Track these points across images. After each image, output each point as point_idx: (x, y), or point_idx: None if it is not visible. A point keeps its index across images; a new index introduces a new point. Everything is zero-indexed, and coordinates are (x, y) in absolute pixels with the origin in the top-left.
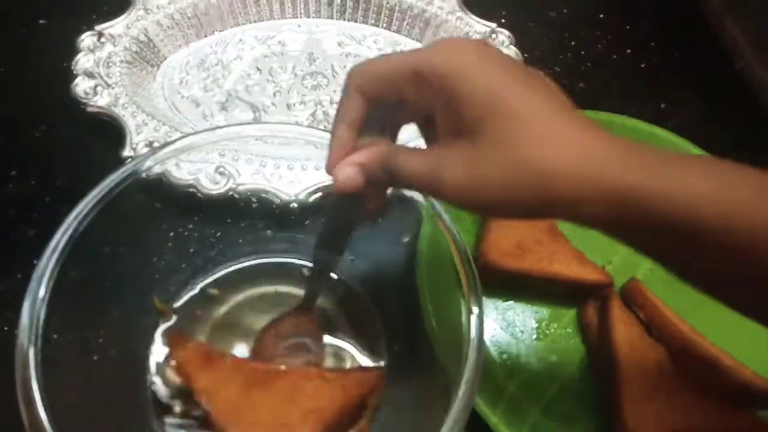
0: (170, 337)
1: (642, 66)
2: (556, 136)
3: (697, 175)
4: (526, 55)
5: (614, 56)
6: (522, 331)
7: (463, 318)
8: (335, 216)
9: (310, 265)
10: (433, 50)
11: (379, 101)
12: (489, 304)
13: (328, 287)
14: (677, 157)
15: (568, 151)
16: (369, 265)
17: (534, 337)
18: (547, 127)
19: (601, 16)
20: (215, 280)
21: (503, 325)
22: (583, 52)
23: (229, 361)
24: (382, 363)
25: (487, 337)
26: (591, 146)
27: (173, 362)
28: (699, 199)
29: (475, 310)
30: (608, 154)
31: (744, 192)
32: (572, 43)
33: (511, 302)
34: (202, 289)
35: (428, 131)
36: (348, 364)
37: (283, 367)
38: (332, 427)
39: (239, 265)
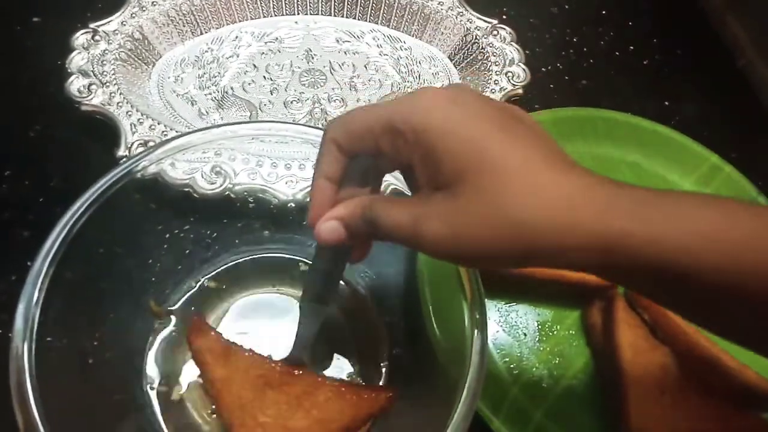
0: (193, 322)
1: (644, 63)
2: (537, 186)
3: (687, 217)
4: (527, 51)
5: (616, 53)
6: (525, 334)
7: (466, 321)
8: (321, 267)
9: (308, 261)
10: (409, 102)
11: (356, 154)
12: (491, 306)
13: (317, 338)
14: (664, 197)
15: (550, 202)
16: (370, 268)
17: (537, 339)
18: (528, 179)
19: (603, 12)
20: (212, 281)
21: (506, 328)
22: (585, 49)
23: (247, 356)
24: (381, 374)
25: (489, 340)
26: (575, 194)
27: (190, 347)
28: (689, 243)
29: (478, 311)
30: (594, 200)
31: (734, 234)
32: (574, 39)
33: (513, 304)
34: (199, 290)
35: (410, 179)
36: (349, 370)
37: (299, 372)
38: None
39: (236, 266)
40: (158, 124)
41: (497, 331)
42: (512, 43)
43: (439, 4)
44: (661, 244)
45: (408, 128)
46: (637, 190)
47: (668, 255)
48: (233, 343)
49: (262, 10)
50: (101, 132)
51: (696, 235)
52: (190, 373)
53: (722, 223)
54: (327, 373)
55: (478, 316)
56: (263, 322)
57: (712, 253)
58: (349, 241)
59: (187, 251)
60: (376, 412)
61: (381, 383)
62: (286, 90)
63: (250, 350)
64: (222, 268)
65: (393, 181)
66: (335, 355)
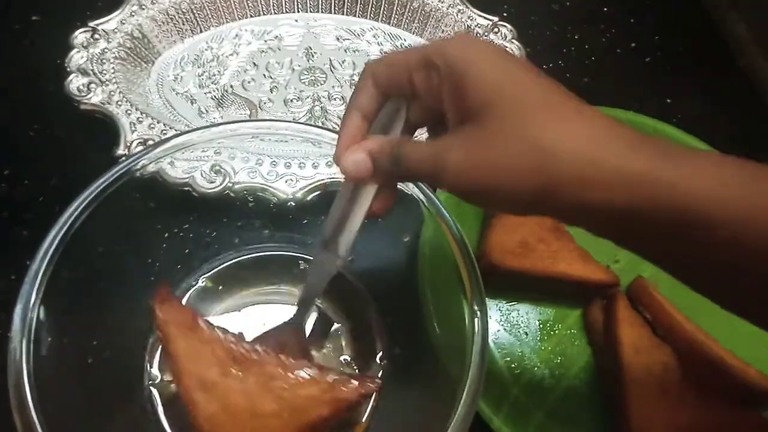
0: (159, 291)
1: (646, 60)
2: (562, 120)
3: (712, 166)
4: (528, 49)
5: (618, 50)
6: (526, 333)
7: (467, 319)
8: (339, 212)
9: (309, 258)
10: (444, 41)
11: (391, 92)
12: (492, 304)
13: (322, 299)
14: (682, 150)
15: (574, 134)
16: (370, 265)
17: (538, 338)
18: (553, 112)
19: (605, 9)
20: (211, 280)
21: (507, 327)
22: (586, 46)
23: (215, 332)
24: (379, 373)
25: (490, 339)
26: (599, 132)
27: (154, 319)
28: (717, 191)
29: (479, 311)
30: (616, 140)
31: (747, 185)
32: (576, 36)
33: (514, 303)
34: (198, 289)
35: (436, 130)
36: (348, 370)
37: (271, 353)
38: (307, 430)
39: (236, 265)
40: (158, 122)
41: (498, 330)
42: (513, 40)
43: (439, 1)
44: (689, 189)
45: (441, 60)
46: (659, 140)
47: (695, 202)
48: (201, 317)
49: (262, 7)
50: (100, 131)
51: (723, 184)
52: None
53: (747, 176)
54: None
55: (478, 315)
56: (263, 321)
57: (742, 202)
58: (373, 178)
59: (187, 250)
60: (356, 404)
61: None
62: (286, 88)
63: (219, 327)
64: (221, 267)
65: None
66: (333, 354)
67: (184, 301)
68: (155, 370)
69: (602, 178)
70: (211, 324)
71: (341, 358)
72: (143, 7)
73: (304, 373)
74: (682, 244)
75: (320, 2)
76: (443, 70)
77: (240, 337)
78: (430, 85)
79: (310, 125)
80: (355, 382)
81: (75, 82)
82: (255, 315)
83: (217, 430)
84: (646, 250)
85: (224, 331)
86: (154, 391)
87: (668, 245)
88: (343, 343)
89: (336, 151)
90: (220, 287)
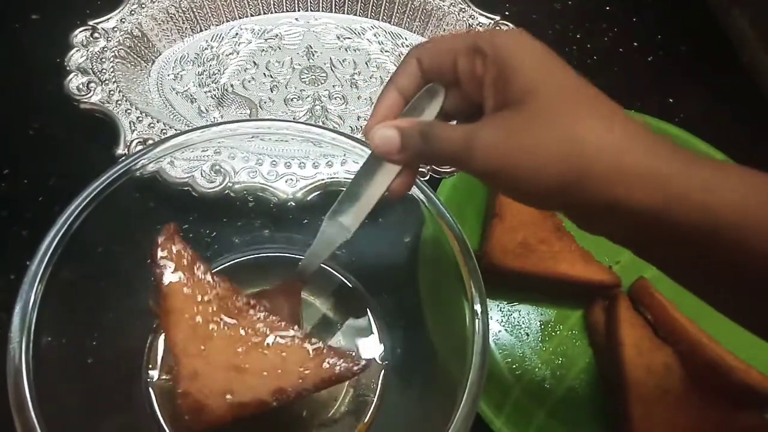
0: (167, 227)
1: (648, 59)
2: (599, 115)
3: (732, 176)
4: None
5: (620, 49)
6: (527, 333)
7: (467, 320)
8: (358, 184)
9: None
10: (496, 31)
11: (432, 76)
12: (493, 305)
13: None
14: (709, 160)
15: (611, 130)
16: (370, 265)
17: (539, 339)
18: (591, 107)
19: (607, 8)
20: None
21: (508, 327)
22: (588, 45)
23: (210, 279)
24: (380, 374)
25: (491, 340)
26: (634, 132)
27: (154, 252)
28: (737, 201)
29: (479, 311)
30: (654, 143)
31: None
32: (577, 35)
33: (515, 303)
34: None
35: (471, 119)
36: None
37: (265, 311)
38: (286, 396)
39: (236, 265)
40: (157, 122)
41: (499, 331)
42: None
43: (440, 0)
44: (723, 197)
45: (490, 47)
46: (679, 147)
47: (727, 210)
48: (201, 262)
49: (262, 6)
50: (100, 130)
51: (755, 194)
52: None
53: (750, 184)
54: None
55: (479, 316)
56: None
57: (741, 212)
58: (399, 155)
59: None
60: (337, 376)
61: (380, 383)
62: (286, 87)
63: (218, 275)
64: (221, 267)
65: None
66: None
67: None
68: (154, 370)
69: (638, 174)
70: (211, 270)
71: None
72: (143, 5)
73: (292, 338)
74: (705, 250)
75: (321, 1)
76: (490, 56)
77: (236, 290)
78: (474, 71)
79: (311, 125)
80: (341, 359)
81: (74, 81)
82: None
83: (195, 378)
84: (662, 257)
85: (223, 280)
86: (153, 391)
87: (689, 251)
88: (343, 343)
89: (368, 123)
90: None
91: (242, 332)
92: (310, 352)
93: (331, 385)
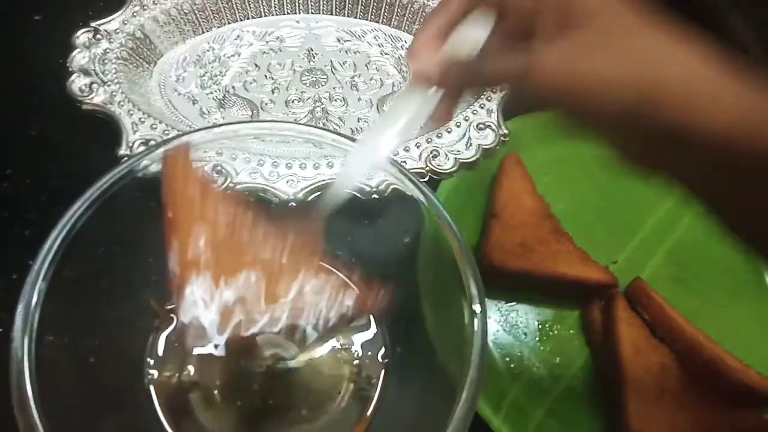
0: (178, 147)
1: None
2: (670, 38)
3: None
4: None
5: None
6: (525, 333)
7: (466, 319)
8: (392, 113)
9: None
10: None
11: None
12: (492, 305)
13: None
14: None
15: (685, 51)
16: (370, 266)
17: (537, 338)
18: (662, 31)
19: None
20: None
21: (506, 327)
22: None
23: (224, 195)
24: (380, 373)
25: (489, 339)
26: (709, 54)
27: (163, 167)
28: None
29: (478, 311)
30: (724, 66)
31: None
32: None
33: (514, 303)
34: None
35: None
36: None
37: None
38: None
39: None
40: (159, 123)
41: (497, 330)
42: None
43: None
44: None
45: None
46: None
47: None
48: (211, 183)
49: (264, 9)
50: (102, 131)
51: None
52: (191, 371)
53: None
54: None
55: (478, 315)
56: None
57: None
58: (441, 82)
59: None
60: (346, 306)
61: (380, 381)
62: (287, 89)
63: (235, 195)
64: None
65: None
66: (334, 354)
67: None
68: (155, 369)
69: (714, 97)
70: (222, 189)
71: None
72: (145, 7)
73: (305, 268)
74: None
75: (321, 4)
76: None
77: (249, 207)
78: None
79: (312, 126)
80: (356, 291)
81: (77, 83)
82: None
83: (194, 267)
84: (731, 196)
85: (237, 194)
86: (154, 390)
87: (764, 187)
88: (343, 342)
89: (411, 47)
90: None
91: (249, 253)
92: (323, 278)
93: (334, 312)
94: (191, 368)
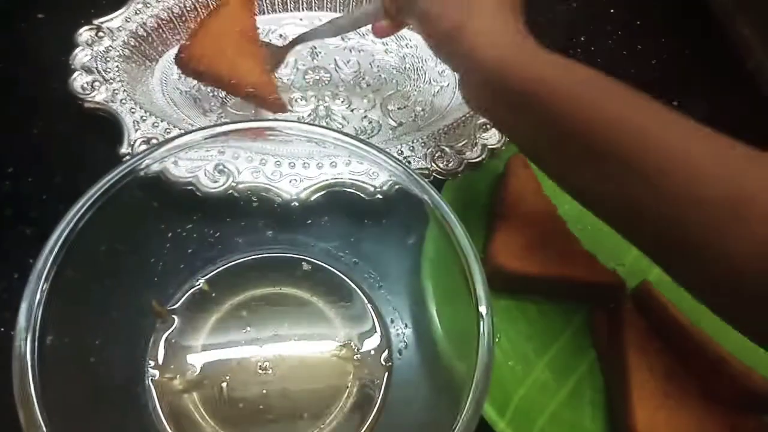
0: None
1: (652, 62)
2: (495, 6)
3: (545, 62)
4: None
5: (624, 52)
6: (530, 335)
7: (472, 322)
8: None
9: (312, 260)
10: None
11: None
12: (497, 306)
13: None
14: (544, 52)
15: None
16: (374, 267)
17: (543, 340)
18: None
19: (611, 11)
20: (214, 281)
21: (512, 329)
22: (592, 48)
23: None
24: (384, 375)
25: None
26: (510, 9)
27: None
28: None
29: (484, 313)
30: (514, 19)
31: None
32: (581, 38)
33: (519, 305)
34: (201, 291)
35: None
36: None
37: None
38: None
39: (239, 266)
40: (161, 121)
41: (503, 333)
42: None
43: None
44: (534, 71)
45: None
46: (537, 51)
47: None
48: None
49: (267, 6)
50: (104, 129)
51: (558, 74)
52: (192, 373)
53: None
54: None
55: (484, 318)
56: (263, 323)
57: (562, 85)
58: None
59: (190, 250)
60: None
61: (384, 384)
62: (290, 88)
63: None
64: (224, 267)
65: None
66: (337, 355)
67: (181, 302)
68: (156, 369)
69: (498, 36)
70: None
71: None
72: (147, 5)
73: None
74: (532, 115)
75: (325, 1)
76: None
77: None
78: None
79: (314, 125)
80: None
81: (79, 80)
82: (256, 314)
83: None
84: (503, 118)
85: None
86: (155, 389)
87: (517, 111)
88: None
89: None
90: (222, 288)
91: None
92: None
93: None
94: (192, 369)
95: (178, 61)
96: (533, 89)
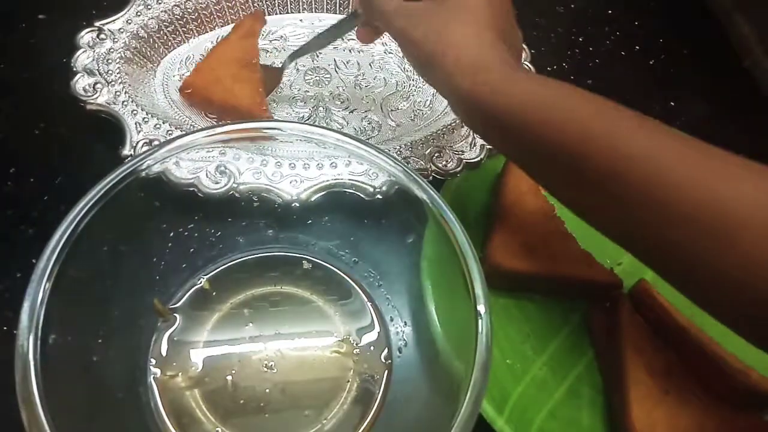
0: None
1: (650, 63)
2: (464, 22)
3: (523, 89)
4: (533, 51)
5: (622, 53)
6: (529, 334)
7: (470, 320)
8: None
9: (312, 259)
10: None
11: None
12: (495, 305)
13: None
14: (517, 75)
15: (465, 33)
16: (373, 266)
17: (541, 339)
18: (464, 21)
19: (610, 12)
20: (215, 280)
21: (510, 328)
22: (590, 49)
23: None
24: (384, 373)
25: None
26: (478, 39)
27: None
28: (525, 102)
29: (483, 311)
30: (495, 52)
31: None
32: (580, 39)
33: (517, 304)
34: (202, 289)
35: None
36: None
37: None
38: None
39: (240, 265)
40: (163, 122)
41: (501, 331)
42: None
43: None
44: (505, 95)
45: None
46: (510, 64)
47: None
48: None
49: (267, 8)
50: (106, 130)
51: (529, 99)
52: (194, 371)
53: (543, 93)
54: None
55: (482, 316)
56: (264, 320)
57: (534, 110)
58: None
59: (192, 250)
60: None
61: (383, 382)
62: (290, 88)
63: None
64: (225, 267)
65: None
66: (337, 351)
67: (183, 302)
68: (158, 368)
69: (475, 65)
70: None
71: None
72: (149, 7)
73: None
74: (508, 134)
75: (325, 2)
76: None
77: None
78: None
79: (315, 126)
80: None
81: (81, 82)
82: (257, 313)
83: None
84: (490, 138)
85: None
86: (157, 388)
87: (499, 132)
88: (346, 340)
89: None
90: (224, 286)
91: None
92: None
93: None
94: (194, 367)
95: (182, 92)
96: (518, 119)
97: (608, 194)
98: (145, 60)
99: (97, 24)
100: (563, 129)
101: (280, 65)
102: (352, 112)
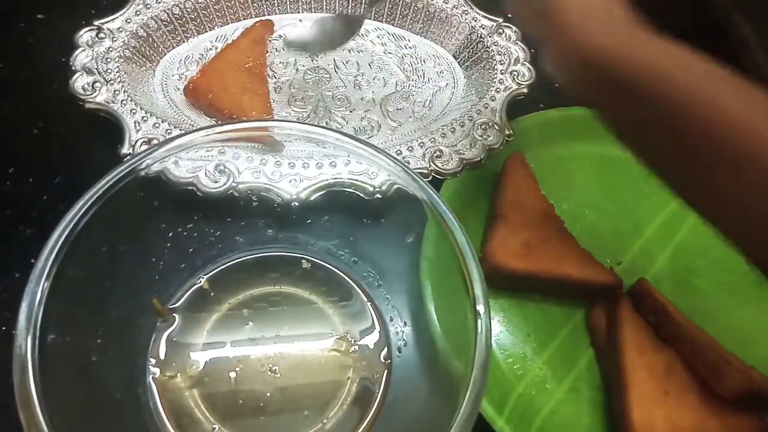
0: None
1: None
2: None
3: (656, 50)
4: (533, 50)
5: None
6: (528, 334)
7: (470, 320)
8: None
9: (312, 258)
10: None
11: None
12: (495, 305)
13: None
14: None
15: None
16: (373, 266)
17: (541, 339)
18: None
19: None
20: (214, 280)
21: (509, 328)
22: None
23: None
24: (384, 373)
25: (493, 340)
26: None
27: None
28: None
29: (482, 311)
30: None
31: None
32: None
33: (517, 304)
34: (202, 289)
35: None
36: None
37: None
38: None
39: (239, 264)
40: (162, 122)
41: (501, 331)
42: (517, 41)
43: (444, 2)
44: (636, 60)
45: None
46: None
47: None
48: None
49: (266, 8)
50: (105, 130)
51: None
52: (193, 371)
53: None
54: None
55: (481, 316)
56: (264, 320)
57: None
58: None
59: (191, 250)
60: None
61: (383, 382)
62: (290, 88)
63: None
64: (224, 266)
65: None
66: (336, 354)
67: (182, 301)
68: (157, 368)
69: (609, 23)
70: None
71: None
72: (148, 6)
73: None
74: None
75: (324, 2)
76: None
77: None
78: None
79: (314, 125)
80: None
81: (80, 81)
82: (257, 313)
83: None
84: (611, 108)
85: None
86: (156, 388)
87: (613, 100)
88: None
89: None
90: (223, 286)
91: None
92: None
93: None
94: (193, 367)
95: (186, 91)
96: (645, 84)
97: (737, 183)
98: (144, 59)
99: (96, 23)
100: (716, 108)
101: (359, 15)
102: (351, 111)
